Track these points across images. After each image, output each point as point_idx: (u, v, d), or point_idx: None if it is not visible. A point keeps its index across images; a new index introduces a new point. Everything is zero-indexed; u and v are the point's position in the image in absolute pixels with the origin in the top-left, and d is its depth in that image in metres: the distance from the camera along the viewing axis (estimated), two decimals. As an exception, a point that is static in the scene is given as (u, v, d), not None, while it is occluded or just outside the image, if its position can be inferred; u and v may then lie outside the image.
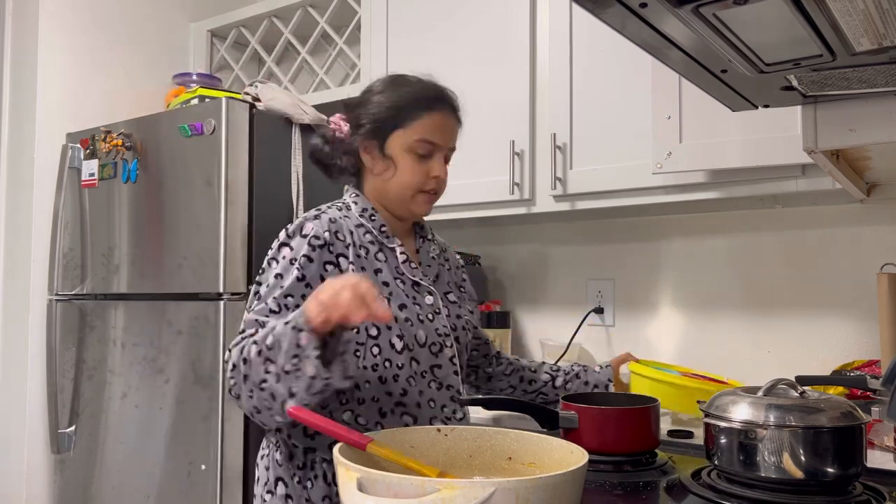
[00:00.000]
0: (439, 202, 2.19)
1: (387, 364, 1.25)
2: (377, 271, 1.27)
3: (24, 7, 2.61)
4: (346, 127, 1.37)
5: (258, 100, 2.32)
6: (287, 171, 2.28)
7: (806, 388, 1.05)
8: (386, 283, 1.27)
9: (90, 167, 2.49)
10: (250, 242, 2.15)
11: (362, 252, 1.27)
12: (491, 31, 2.13)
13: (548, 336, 2.37)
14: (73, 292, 2.49)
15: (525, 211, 2.08)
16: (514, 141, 2.06)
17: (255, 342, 1.10)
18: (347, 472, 0.77)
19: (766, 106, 1.20)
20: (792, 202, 1.93)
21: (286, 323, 1.07)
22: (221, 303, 2.07)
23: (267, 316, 1.18)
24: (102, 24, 2.74)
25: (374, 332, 1.24)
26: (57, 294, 2.51)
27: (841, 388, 1.57)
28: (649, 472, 1.14)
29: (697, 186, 1.77)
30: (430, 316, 1.31)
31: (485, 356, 1.60)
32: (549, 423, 1.20)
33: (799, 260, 1.98)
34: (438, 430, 0.99)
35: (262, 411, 1.11)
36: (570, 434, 1.16)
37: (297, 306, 1.16)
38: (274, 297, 1.19)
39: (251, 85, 2.44)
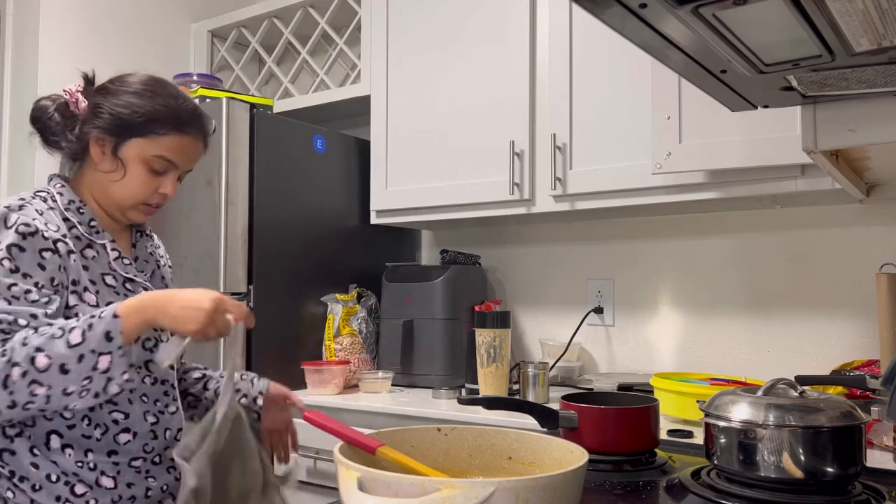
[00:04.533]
0: (439, 202, 2.23)
1: None
2: (85, 268, 1.22)
3: (24, 7, 2.62)
4: (83, 104, 1.27)
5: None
6: (287, 171, 2.29)
7: (805, 387, 1.05)
8: (93, 282, 1.22)
9: (90, 167, 2.49)
10: (251, 242, 2.15)
11: (72, 244, 1.20)
12: (491, 32, 2.13)
13: (548, 336, 2.37)
14: (73, 292, 2.49)
15: (525, 211, 2.08)
16: (513, 141, 2.06)
17: (13, 363, 1.03)
18: (348, 472, 0.77)
19: (766, 106, 1.20)
20: (792, 202, 1.93)
21: (71, 344, 1.04)
22: (222, 303, 2.06)
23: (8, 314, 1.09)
24: (102, 24, 2.74)
25: None
26: (57, 294, 2.51)
27: (840, 388, 1.57)
28: (649, 471, 1.14)
29: (697, 186, 1.77)
30: None
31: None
32: (549, 422, 1.20)
33: (799, 260, 1.99)
34: (438, 429, 0.99)
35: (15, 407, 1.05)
36: (570, 434, 1.16)
37: (28, 291, 1.11)
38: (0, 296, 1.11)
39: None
